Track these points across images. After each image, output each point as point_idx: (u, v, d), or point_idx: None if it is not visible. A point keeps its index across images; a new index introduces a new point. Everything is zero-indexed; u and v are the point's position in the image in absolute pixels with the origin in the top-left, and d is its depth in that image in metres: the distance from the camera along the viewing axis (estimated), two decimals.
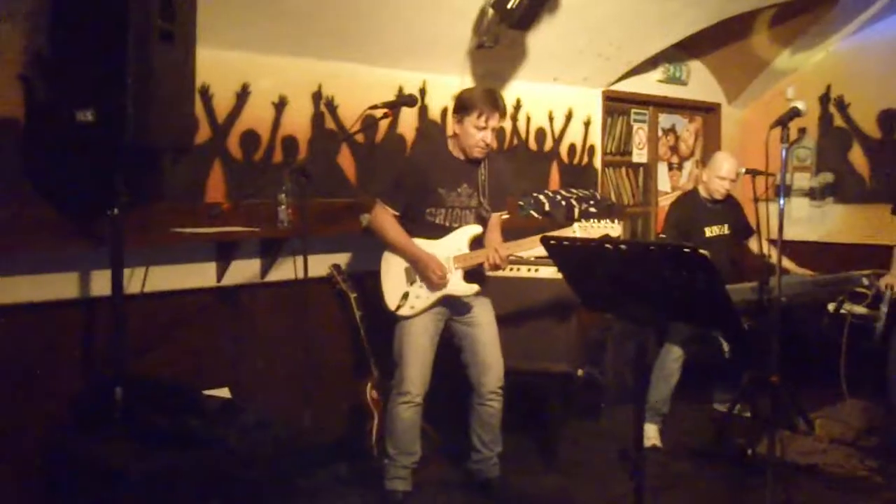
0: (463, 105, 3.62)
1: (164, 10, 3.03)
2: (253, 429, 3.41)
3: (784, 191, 2.87)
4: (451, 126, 3.79)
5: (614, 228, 3.39)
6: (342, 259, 4.38)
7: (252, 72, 4.09)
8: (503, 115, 3.63)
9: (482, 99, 3.57)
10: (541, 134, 5.62)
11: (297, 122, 4.29)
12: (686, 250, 2.34)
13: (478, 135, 3.59)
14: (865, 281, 4.16)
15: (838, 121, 6.62)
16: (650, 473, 4.18)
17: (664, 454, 4.56)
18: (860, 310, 4.01)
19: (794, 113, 2.99)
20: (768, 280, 4.02)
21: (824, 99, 6.68)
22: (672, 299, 2.48)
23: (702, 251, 2.27)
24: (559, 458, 4.42)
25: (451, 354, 3.87)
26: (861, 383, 4.66)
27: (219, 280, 3.97)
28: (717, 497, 4.04)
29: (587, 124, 5.93)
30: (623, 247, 2.53)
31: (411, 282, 3.68)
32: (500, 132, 5.28)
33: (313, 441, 4.04)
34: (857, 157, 6.52)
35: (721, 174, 4.80)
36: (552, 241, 2.70)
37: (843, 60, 6.58)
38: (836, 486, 4.09)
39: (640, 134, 6.54)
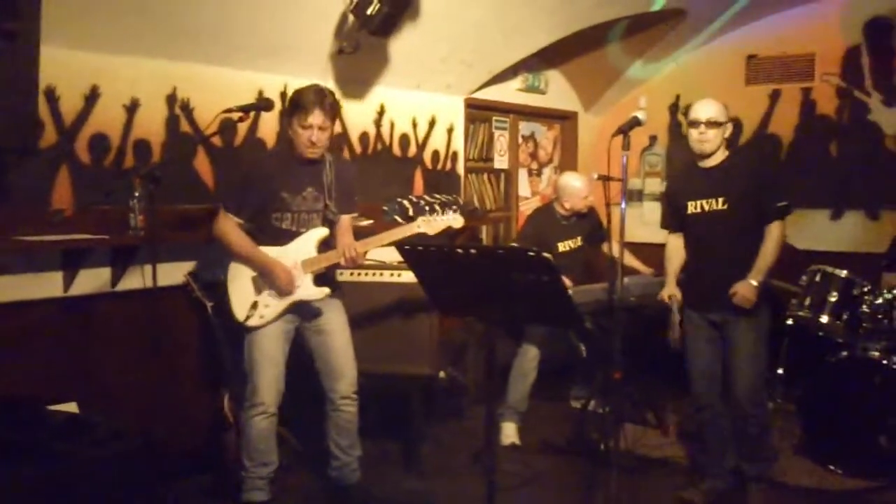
0: (290, 106, 3.61)
1: (5, 8, 2.90)
2: (104, 442, 3.29)
3: (626, 195, 3.02)
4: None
5: (456, 220, 3.46)
6: (199, 267, 4.29)
7: (102, 73, 3.94)
8: (329, 113, 3.58)
9: (305, 98, 3.55)
10: (404, 140, 5.67)
11: (151, 125, 4.16)
12: (531, 254, 2.43)
13: (304, 134, 3.56)
14: None
15: (686, 129, 6.97)
16: (510, 471, 4.34)
17: (523, 451, 4.69)
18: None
19: (635, 122, 3.14)
20: (616, 283, 4.19)
21: (673, 108, 7.05)
22: (520, 301, 2.57)
23: (545, 254, 2.37)
24: (421, 460, 4.47)
25: (309, 361, 3.86)
26: None
27: (66, 290, 3.81)
28: (573, 491, 4.17)
29: (450, 131, 6.03)
30: (473, 252, 2.61)
31: (259, 291, 3.63)
32: (363, 137, 5.33)
33: (171, 454, 3.95)
34: None
35: (583, 195, 4.98)
36: (406, 247, 2.75)
37: (691, 71, 6.96)
38: (683, 477, 4.29)
39: (502, 141, 6.70)
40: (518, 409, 4.84)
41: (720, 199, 3.86)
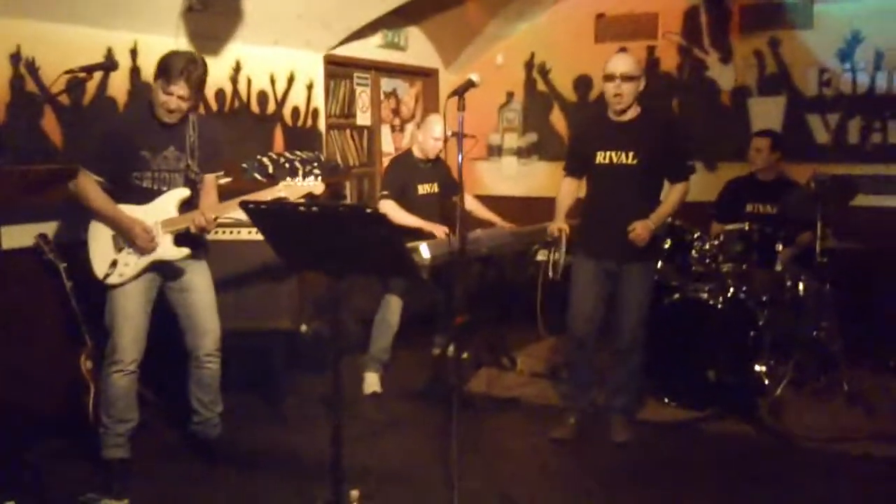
0: (157, 69, 3.59)
1: None
2: None
3: (462, 150, 3.18)
4: None
5: (318, 187, 3.56)
6: (51, 228, 4.23)
7: None
8: (190, 82, 3.55)
9: (169, 64, 3.53)
10: (263, 97, 5.68)
11: None
12: (368, 211, 2.58)
13: (164, 99, 3.56)
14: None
15: (541, 85, 7.27)
16: (370, 417, 4.53)
17: (384, 399, 4.88)
18: (543, 256, 4.51)
19: (469, 84, 3.26)
20: (467, 233, 4.41)
21: (529, 65, 7.29)
22: (360, 255, 2.72)
23: (380, 211, 2.52)
24: (283, 413, 4.58)
25: (171, 320, 3.90)
26: (556, 322, 5.22)
27: None
28: (429, 434, 4.36)
29: (310, 87, 6.07)
30: (315, 209, 2.73)
31: (119, 249, 3.65)
32: (219, 94, 5.32)
33: (28, 417, 3.94)
34: (558, 118, 7.22)
35: (435, 136, 5.14)
36: (251, 205, 2.84)
37: (545, 30, 7.21)
38: (535, 415, 4.59)
39: (364, 97, 6.78)
40: (381, 359, 4.99)
41: (630, 154, 4.02)
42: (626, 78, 3.96)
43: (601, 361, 4.39)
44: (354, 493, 3.07)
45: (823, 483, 3.82)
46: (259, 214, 2.84)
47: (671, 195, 4.12)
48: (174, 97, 3.55)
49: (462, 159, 3.17)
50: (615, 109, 4.05)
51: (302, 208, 2.71)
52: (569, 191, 4.34)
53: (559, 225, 4.26)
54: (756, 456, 4.11)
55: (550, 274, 4.44)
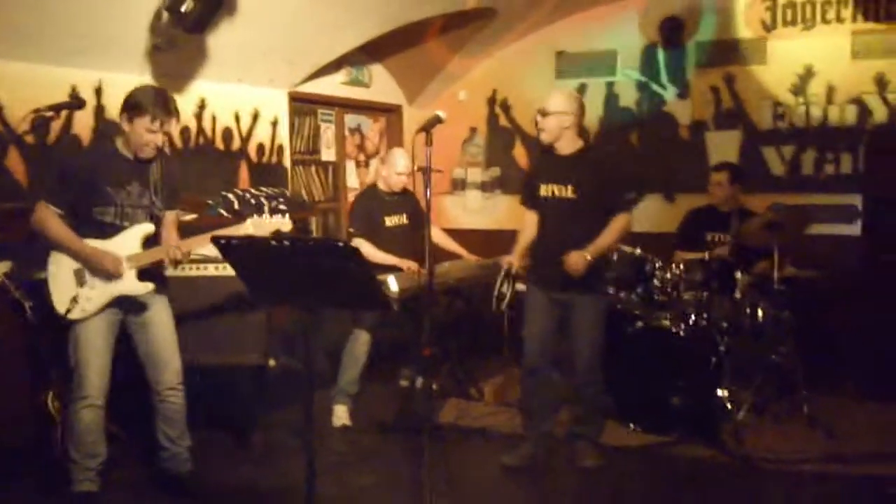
0: (134, 106, 3.58)
1: None
2: None
3: (429, 184, 3.25)
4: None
5: (285, 224, 3.60)
6: (18, 267, 4.20)
7: None
8: (177, 119, 3.67)
9: (155, 103, 3.56)
10: (228, 133, 5.72)
11: None
12: (340, 244, 2.63)
13: (147, 136, 3.59)
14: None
15: (503, 121, 7.41)
16: (339, 450, 4.54)
17: (354, 431, 4.88)
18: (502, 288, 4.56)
19: (436, 120, 3.34)
20: (433, 266, 4.45)
21: (491, 101, 7.43)
22: (330, 288, 2.76)
23: (351, 244, 2.57)
24: (252, 447, 4.56)
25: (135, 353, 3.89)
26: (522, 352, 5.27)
27: None
28: (398, 465, 4.38)
29: (274, 124, 6.12)
30: (286, 243, 2.77)
31: (81, 284, 3.64)
32: (184, 131, 5.35)
33: None
34: (520, 153, 7.35)
35: (398, 170, 5.20)
36: (222, 241, 2.87)
37: (506, 66, 7.36)
38: (502, 444, 4.61)
39: (328, 133, 6.85)
40: (349, 392, 4.99)
41: (569, 188, 4.13)
42: (545, 114, 4.15)
43: (561, 393, 4.45)
44: None
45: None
46: (230, 249, 2.87)
47: (610, 226, 4.15)
48: (160, 134, 3.59)
49: (430, 194, 3.23)
50: (542, 142, 4.21)
51: (274, 242, 2.75)
52: (530, 223, 4.42)
53: (510, 259, 4.37)
54: (719, 479, 4.18)
55: (493, 306, 4.52)
